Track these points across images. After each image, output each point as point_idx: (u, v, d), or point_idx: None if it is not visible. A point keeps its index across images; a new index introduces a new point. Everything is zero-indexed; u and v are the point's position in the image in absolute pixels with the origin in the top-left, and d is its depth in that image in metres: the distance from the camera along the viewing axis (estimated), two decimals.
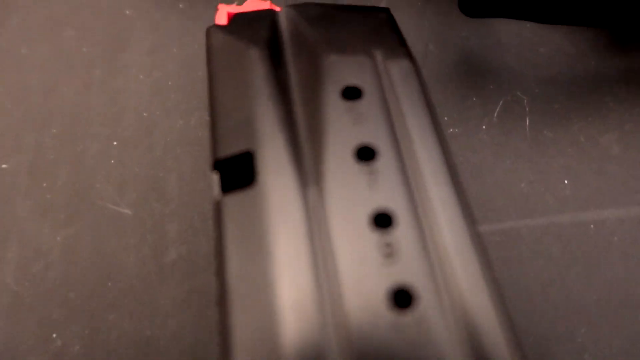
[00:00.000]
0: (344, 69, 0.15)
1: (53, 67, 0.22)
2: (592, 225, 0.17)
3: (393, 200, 0.13)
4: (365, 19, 0.17)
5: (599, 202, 0.18)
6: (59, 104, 0.21)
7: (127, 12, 0.23)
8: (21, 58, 0.22)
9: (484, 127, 0.19)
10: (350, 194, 0.13)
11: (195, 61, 0.22)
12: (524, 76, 0.20)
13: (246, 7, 0.19)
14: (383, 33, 0.17)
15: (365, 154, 0.14)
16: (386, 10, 0.18)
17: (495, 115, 0.19)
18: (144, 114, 0.21)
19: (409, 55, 0.16)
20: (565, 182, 0.18)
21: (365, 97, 0.15)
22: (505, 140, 0.19)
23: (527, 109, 0.19)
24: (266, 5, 0.19)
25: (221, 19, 0.18)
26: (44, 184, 0.19)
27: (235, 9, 0.18)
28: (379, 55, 0.16)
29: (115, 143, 0.20)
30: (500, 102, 0.20)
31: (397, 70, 0.15)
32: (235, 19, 0.17)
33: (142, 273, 0.17)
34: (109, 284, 0.17)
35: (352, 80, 0.15)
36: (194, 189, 0.19)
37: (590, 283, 0.16)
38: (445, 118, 0.20)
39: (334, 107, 0.14)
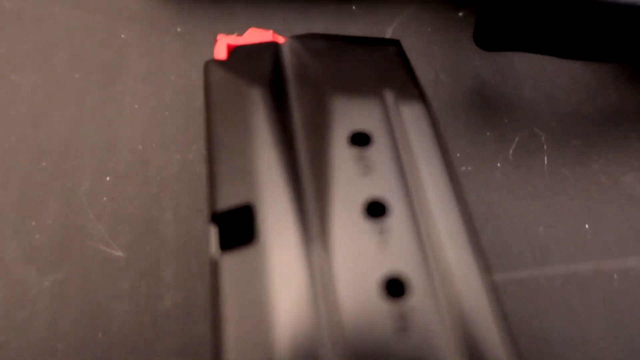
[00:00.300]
0: (352, 112, 0.14)
1: (44, 94, 0.21)
2: (615, 275, 0.16)
3: (406, 264, 0.12)
4: (374, 53, 0.16)
5: (622, 249, 0.16)
6: (49, 135, 0.20)
7: (122, 35, 0.22)
8: (10, 85, 0.21)
9: (498, 164, 0.18)
10: (359, 256, 0.12)
11: (193, 89, 0.21)
12: (540, 109, 0.19)
13: (247, 38, 0.17)
14: (393, 70, 0.16)
15: (375, 210, 0.13)
16: (396, 43, 0.17)
17: (511, 152, 0.18)
18: (139, 147, 0.20)
19: (421, 96, 0.15)
20: (586, 226, 0.17)
21: (375, 144, 0.14)
22: (521, 180, 0.18)
23: (544, 146, 0.18)
24: (268, 36, 0.18)
25: (220, 51, 0.17)
26: (32, 223, 0.18)
27: (235, 40, 0.17)
28: (389, 96, 0.15)
29: (108, 178, 0.19)
30: (516, 139, 0.19)
31: (408, 113, 0.14)
32: (236, 53, 0.16)
33: (135, 323, 0.16)
34: (100, 335, 0.16)
35: (361, 125, 0.14)
36: (191, 230, 0.18)
37: (614, 340, 0.15)
38: (457, 154, 0.18)
39: (342, 155, 0.13)
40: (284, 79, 0.16)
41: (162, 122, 0.20)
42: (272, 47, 0.16)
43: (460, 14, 0.22)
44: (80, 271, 0.17)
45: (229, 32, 0.22)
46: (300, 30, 0.22)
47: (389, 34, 0.21)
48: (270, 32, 0.18)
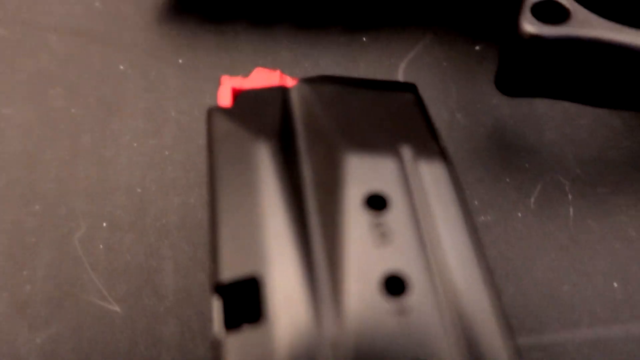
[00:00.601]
0: (366, 171, 0.13)
1: (38, 131, 0.20)
2: None
3: (431, 350, 0.11)
4: (389, 101, 0.15)
5: None
6: (43, 176, 0.19)
7: (121, 66, 0.21)
8: (2, 119, 0.20)
9: (519, 214, 0.17)
10: (378, 342, 0.11)
11: (195, 127, 0.20)
12: (563, 153, 0.18)
13: (253, 79, 0.16)
14: (410, 122, 0.14)
15: (395, 286, 0.12)
16: (412, 88, 0.16)
17: (533, 200, 0.17)
18: (138, 190, 0.18)
19: (441, 153, 0.14)
20: (615, 285, 0.16)
21: (392, 208, 0.13)
22: (544, 232, 0.17)
23: (568, 195, 0.17)
24: (276, 77, 0.16)
25: (224, 96, 0.16)
26: (24, 272, 0.17)
27: (240, 83, 0.16)
28: (406, 153, 0.13)
29: (104, 224, 0.18)
30: (538, 186, 0.17)
31: (428, 172, 0.13)
32: (241, 99, 0.15)
33: None
34: None
35: (377, 185, 0.13)
36: (192, 283, 0.17)
37: None
38: (476, 202, 0.17)
39: (356, 222, 0.12)
40: (293, 130, 0.14)
41: (162, 162, 0.19)
42: (280, 93, 0.15)
43: (478, 47, 0.21)
44: (74, 327, 0.16)
45: (232, 63, 0.21)
46: (308, 63, 0.21)
47: (401, 69, 0.20)
48: (278, 72, 0.17)
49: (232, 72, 0.21)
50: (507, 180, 0.18)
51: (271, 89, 0.16)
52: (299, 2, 0.22)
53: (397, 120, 0.14)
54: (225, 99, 0.15)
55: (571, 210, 0.17)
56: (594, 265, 0.16)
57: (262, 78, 0.17)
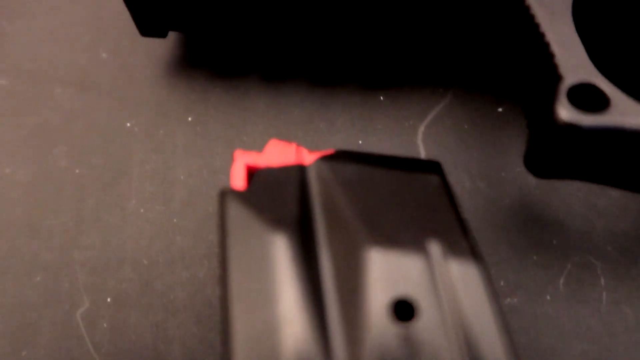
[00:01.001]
0: (392, 272, 0.12)
1: (40, 193, 0.19)
2: None
3: None
4: (413, 184, 0.14)
5: None
6: (45, 243, 0.18)
7: (128, 124, 0.20)
8: (4, 180, 0.19)
9: (548, 297, 0.16)
10: None
11: (204, 191, 0.19)
12: (593, 228, 0.17)
13: (268, 155, 0.16)
14: (437, 210, 0.14)
15: None
16: (437, 168, 0.15)
17: (562, 281, 0.16)
18: (144, 262, 0.18)
19: (473, 250, 0.13)
20: None
21: (422, 318, 0.12)
22: (574, 317, 0.16)
23: (601, 277, 0.16)
24: (292, 152, 0.16)
25: (238, 175, 0.15)
26: (23, 353, 0.16)
27: (254, 159, 0.15)
28: (435, 249, 0.13)
29: (108, 299, 0.17)
30: (568, 266, 0.16)
31: (459, 275, 0.12)
32: (256, 180, 0.14)
33: None
34: None
35: (404, 289, 0.12)
36: None
37: None
38: (502, 282, 0.16)
39: (383, 335, 0.11)
40: (312, 218, 0.14)
41: (170, 231, 0.18)
42: (297, 173, 0.15)
43: (500, 109, 0.20)
44: None
45: (244, 121, 0.20)
46: (323, 124, 0.20)
47: (420, 131, 0.19)
48: (294, 146, 0.16)
49: (244, 131, 0.20)
50: (534, 258, 0.17)
51: (287, 168, 0.15)
52: (312, 57, 0.21)
53: (422, 209, 0.14)
54: (238, 179, 0.15)
55: (604, 294, 0.16)
56: (629, 354, 0.15)
57: (277, 152, 0.16)
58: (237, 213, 0.14)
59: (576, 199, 0.18)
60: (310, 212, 0.14)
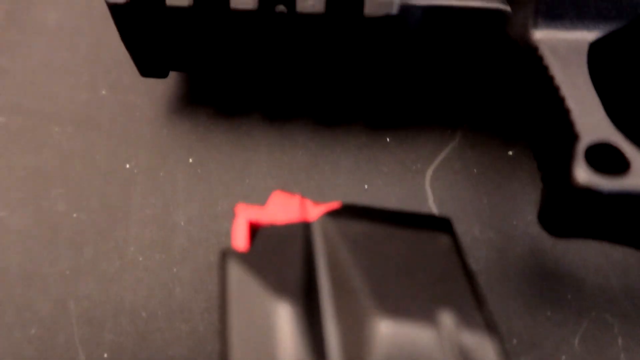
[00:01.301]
0: (402, 347, 0.12)
1: (37, 238, 0.18)
2: None
3: None
4: (423, 245, 0.14)
5: None
6: (41, 293, 0.17)
7: (128, 165, 0.20)
8: None
9: (563, 357, 0.15)
10: None
11: (204, 239, 0.18)
12: (609, 283, 0.17)
13: (271, 207, 0.15)
14: (449, 277, 0.13)
15: None
16: (447, 226, 0.14)
17: (577, 341, 0.16)
18: (142, 314, 0.17)
19: (487, 322, 0.12)
20: None
21: None
22: None
23: (618, 338, 0.16)
24: (295, 204, 0.15)
25: (240, 232, 0.14)
26: None
27: (257, 213, 0.15)
28: (447, 322, 0.12)
29: (105, 355, 0.16)
30: (583, 324, 0.16)
31: (472, 348, 0.12)
32: (259, 240, 0.14)
33: None
34: None
35: None
36: None
37: None
38: (514, 341, 0.16)
39: None
40: (318, 283, 0.13)
41: (170, 281, 0.17)
42: (301, 232, 0.14)
43: (511, 152, 0.19)
44: None
45: (246, 164, 0.20)
46: (328, 166, 0.19)
47: (428, 175, 0.19)
48: (298, 198, 0.15)
49: (246, 173, 0.19)
50: (548, 314, 0.16)
51: (291, 226, 0.14)
52: (316, 96, 0.21)
53: (433, 275, 0.13)
54: (240, 238, 0.14)
55: (622, 356, 0.15)
56: None
57: (281, 206, 0.15)
58: (238, 277, 0.13)
59: (591, 248, 0.17)
60: (316, 276, 0.13)
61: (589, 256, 0.17)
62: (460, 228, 0.18)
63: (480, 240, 0.18)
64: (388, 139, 0.20)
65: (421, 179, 0.19)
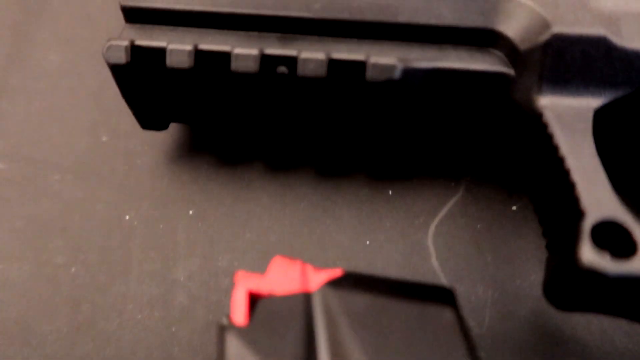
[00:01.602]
0: None
1: (34, 293, 0.18)
2: None
3: None
4: (426, 319, 0.13)
5: None
6: (37, 352, 0.17)
7: (127, 216, 0.20)
8: None
9: None
10: None
11: (204, 296, 0.18)
12: (614, 347, 0.16)
13: (271, 274, 0.15)
14: (450, 354, 0.13)
15: None
16: (450, 299, 0.14)
17: None
18: None
19: None
20: None
21: None
22: None
23: None
24: (296, 271, 0.15)
25: (239, 302, 0.14)
26: None
27: (257, 282, 0.14)
28: None
29: None
30: None
31: None
32: (259, 313, 0.14)
33: None
34: None
35: None
36: None
37: None
38: None
39: None
40: (318, 359, 0.13)
41: (169, 341, 0.17)
42: (302, 305, 0.14)
43: (515, 207, 0.19)
44: None
45: (247, 217, 0.19)
46: (330, 220, 0.19)
47: (431, 230, 0.19)
48: (298, 264, 0.15)
49: (247, 226, 0.19)
50: None
51: (292, 298, 0.14)
52: (318, 147, 0.20)
53: (435, 351, 0.13)
54: (239, 313, 0.14)
55: None
56: None
57: (281, 273, 0.15)
58: (237, 353, 0.13)
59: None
60: (315, 352, 0.13)
61: (593, 318, 0.17)
62: (463, 289, 0.18)
63: (483, 301, 0.17)
64: (390, 192, 0.19)
65: (424, 234, 0.19)
